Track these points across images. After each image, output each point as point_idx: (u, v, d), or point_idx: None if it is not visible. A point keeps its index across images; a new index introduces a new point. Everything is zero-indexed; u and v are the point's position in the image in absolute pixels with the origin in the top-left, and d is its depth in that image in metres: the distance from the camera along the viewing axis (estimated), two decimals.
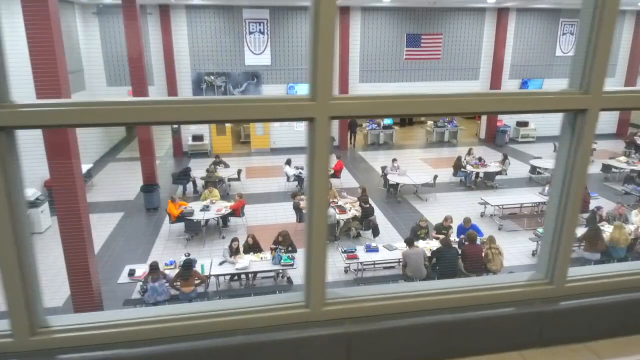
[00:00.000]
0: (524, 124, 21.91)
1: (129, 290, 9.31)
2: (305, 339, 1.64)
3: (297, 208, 11.65)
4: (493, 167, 15.66)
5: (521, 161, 18.23)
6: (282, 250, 9.34)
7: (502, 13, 20.38)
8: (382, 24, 19.96)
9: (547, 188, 13.04)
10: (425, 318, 1.71)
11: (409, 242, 9.05)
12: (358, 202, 11.79)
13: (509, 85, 21.37)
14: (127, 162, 18.70)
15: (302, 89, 19.70)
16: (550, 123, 21.53)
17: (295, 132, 20.22)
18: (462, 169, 15.48)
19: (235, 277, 9.42)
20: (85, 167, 15.62)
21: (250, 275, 9.49)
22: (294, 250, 9.53)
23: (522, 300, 1.80)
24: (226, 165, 15.88)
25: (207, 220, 12.18)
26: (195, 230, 11.51)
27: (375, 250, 9.57)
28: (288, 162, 15.30)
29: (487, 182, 15.59)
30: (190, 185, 14.95)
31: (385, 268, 10.14)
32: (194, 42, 18.93)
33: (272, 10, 18.92)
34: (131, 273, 8.55)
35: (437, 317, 1.72)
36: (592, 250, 9.65)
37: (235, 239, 9.48)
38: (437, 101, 1.61)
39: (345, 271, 10.00)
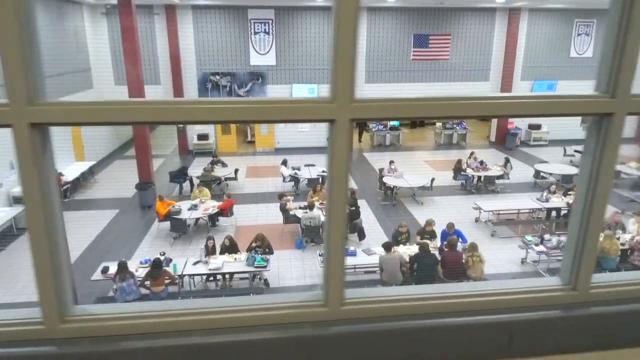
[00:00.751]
0: (536, 126, 21.27)
1: (109, 287, 9.42)
2: (43, 358, 1.56)
3: (283, 209, 11.58)
4: (495, 170, 15.23)
5: (530, 165, 17.68)
6: (259, 252, 9.29)
7: (513, 13, 19.83)
8: (388, 24, 19.69)
9: (545, 194, 12.60)
10: (171, 340, 1.60)
11: (386, 247, 8.86)
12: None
13: (521, 86, 20.77)
14: (134, 159, 18.98)
15: (300, 90, 19.66)
16: (563, 126, 20.88)
17: (299, 132, 20.21)
18: (463, 173, 15.11)
19: (211, 278, 9.41)
20: (87, 165, 16.02)
21: (227, 276, 9.47)
22: (270, 252, 9.47)
23: (295, 322, 1.66)
24: (224, 165, 15.96)
25: (197, 220, 12.27)
26: (181, 230, 11.57)
27: (353, 254, 9.42)
28: (284, 163, 15.26)
29: (489, 186, 15.16)
30: (187, 184, 15.06)
31: (366, 272, 9.97)
32: (200, 42, 19.10)
33: (277, 11, 18.91)
34: (104, 270, 8.64)
35: (184, 339, 1.61)
36: None
37: (210, 238, 9.51)
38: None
39: None
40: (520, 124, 21.39)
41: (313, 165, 15.87)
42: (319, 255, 9.50)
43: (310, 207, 10.93)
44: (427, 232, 9.97)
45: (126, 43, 13.11)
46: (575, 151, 18.53)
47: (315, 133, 20.04)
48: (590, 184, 1.68)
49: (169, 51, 18.75)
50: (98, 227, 12.57)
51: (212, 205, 11.97)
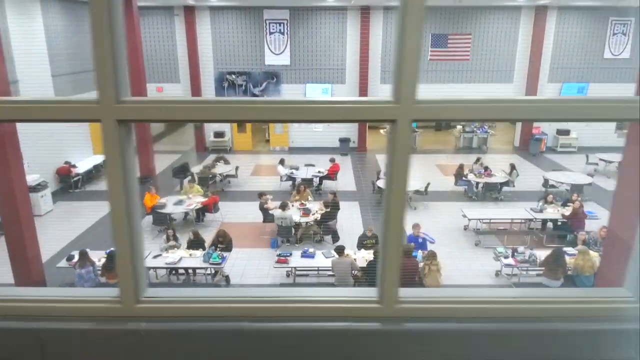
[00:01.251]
0: (565, 132, 20.03)
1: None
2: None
3: (262, 208, 11.69)
4: (499, 177, 14.55)
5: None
6: (219, 249, 9.48)
7: (539, 11, 18.79)
8: None
9: (540, 203, 11.91)
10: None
11: (339, 251, 8.76)
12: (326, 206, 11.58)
13: (548, 89, 19.65)
14: (158, 154, 19.73)
15: (314, 89, 19.65)
16: (595, 132, 19.54)
17: (313, 132, 20.26)
18: (464, 178, 14.55)
19: (173, 272, 9.70)
20: (102, 158, 16.89)
21: (190, 271, 9.73)
22: (229, 250, 9.62)
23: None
24: (226, 162, 16.31)
25: (185, 215, 12.67)
26: (163, 223, 11.96)
27: (311, 256, 9.37)
28: (281, 162, 15.37)
29: (492, 193, 14.50)
30: (188, 180, 15.52)
31: (330, 275, 9.88)
32: (217, 42, 19.60)
33: (292, 11, 19.03)
34: (69, 259, 9.13)
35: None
36: (551, 277, 8.68)
37: (169, 227, 9.87)
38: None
39: (288, 275, 9.88)
40: (547, 128, 20.24)
41: (312, 165, 15.88)
42: (277, 255, 9.53)
43: (283, 207, 10.96)
44: (368, 237, 9.77)
45: (128, 42, 13.70)
46: (601, 159, 17.32)
47: (329, 133, 20.01)
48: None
49: (187, 51, 19.38)
50: (96, 217, 13.24)
51: (196, 201, 12.29)
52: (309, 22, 19.26)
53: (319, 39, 19.39)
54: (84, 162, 16.04)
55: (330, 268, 8.86)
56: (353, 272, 8.68)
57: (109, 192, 1.60)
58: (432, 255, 8.67)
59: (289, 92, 19.76)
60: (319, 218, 11.17)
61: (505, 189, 14.63)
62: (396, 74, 1.48)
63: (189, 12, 19.05)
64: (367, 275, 8.74)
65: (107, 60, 1.47)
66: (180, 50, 19.60)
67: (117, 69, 1.49)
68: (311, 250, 9.53)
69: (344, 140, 19.77)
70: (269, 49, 19.50)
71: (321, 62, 19.61)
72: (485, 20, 19.18)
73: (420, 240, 9.72)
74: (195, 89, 19.71)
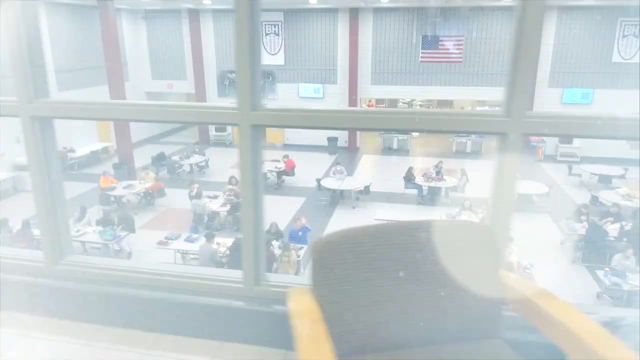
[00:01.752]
0: (566, 140, 18.74)
1: None
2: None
3: (189, 196, 12.73)
4: (448, 182, 14.29)
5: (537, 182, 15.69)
6: (116, 229, 10.68)
7: None
8: (394, 24, 19.23)
9: (457, 210, 11.70)
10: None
11: (207, 237, 9.52)
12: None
13: (549, 94, 18.51)
14: (166, 145, 21.52)
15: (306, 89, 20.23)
16: (604, 142, 18.05)
17: (306, 131, 20.89)
18: (412, 182, 14.47)
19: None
20: (101, 145, 18.98)
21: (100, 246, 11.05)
22: (131, 230, 10.79)
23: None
24: (201, 154, 17.60)
25: (141, 198, 14.10)
26: (106, 204, 13.41)
27: (193, 241, 10.21)
28: None
29: (439, 198, 14.29)
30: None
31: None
32: (220, 43, 20.98)
33: (286, 13, 19.83)
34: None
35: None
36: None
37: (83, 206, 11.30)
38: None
39: (183, 257, 10.79)
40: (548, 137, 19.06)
41: (278, 160, 16.60)
42: (164, 237, 10.50)
43: (198, 196, 11.94)
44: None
45: (106, 43, 15.40)
46: (593, 174, 16.09)
47: (320, 132, 20.51)
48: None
49: (191, 51, 20.98)
50: (69, 195, 15.12)
51: (142, 186, 13.65)
52: (301, 24, 19.94)
53: (311, 40, 20.00)
54: (84, 149, 18.16)
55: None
56: (216, 258, 9.41)
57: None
58: (286, 248, 9.14)
59: (284, 91, 20.60)
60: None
61: (457, 195, 14.31)
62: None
63: (194, 15, 20.60)
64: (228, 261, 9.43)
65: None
66: (187, 50, 21.25)
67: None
68: (195, 235, 10.37)
69: (331, 140, 20.20)
70: (265, 49, 20.47)
71: (313, 63, 20.20)
72: (479, 21, 18.55)
73: (300, 233, 10.15)
74: (200, 86, 21.26)
